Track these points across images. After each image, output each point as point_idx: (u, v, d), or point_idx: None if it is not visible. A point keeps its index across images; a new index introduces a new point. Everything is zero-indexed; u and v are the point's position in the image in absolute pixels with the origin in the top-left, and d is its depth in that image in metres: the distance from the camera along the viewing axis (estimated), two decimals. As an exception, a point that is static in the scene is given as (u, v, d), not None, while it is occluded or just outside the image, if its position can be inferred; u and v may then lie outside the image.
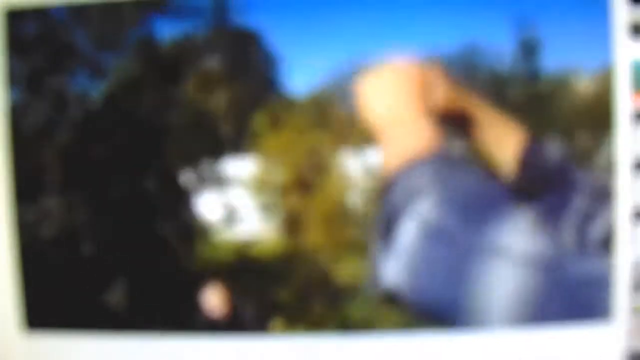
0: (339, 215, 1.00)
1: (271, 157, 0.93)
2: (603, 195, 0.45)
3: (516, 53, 0.99)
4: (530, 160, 0.46)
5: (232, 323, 1.00)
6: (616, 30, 0.54)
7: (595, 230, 0.45)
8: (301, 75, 0.90)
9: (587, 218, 0.45)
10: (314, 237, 0.96)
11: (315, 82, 0.90)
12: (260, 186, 0.95)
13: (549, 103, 1.01)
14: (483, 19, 0.92)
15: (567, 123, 1.01)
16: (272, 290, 0.99)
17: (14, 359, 0.76)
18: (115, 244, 0.97)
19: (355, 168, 0.98)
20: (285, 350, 0.96)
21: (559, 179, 0.47)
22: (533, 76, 1.02)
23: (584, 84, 0.99)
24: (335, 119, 0.93)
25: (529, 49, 1.00)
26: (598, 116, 0.96)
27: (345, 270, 1.04)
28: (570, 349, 0.49)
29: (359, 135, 0.94)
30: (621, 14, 0.54)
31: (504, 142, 0.44)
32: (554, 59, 0.97)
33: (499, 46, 0.97)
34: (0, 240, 0.83)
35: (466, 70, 1.00)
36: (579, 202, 0.47)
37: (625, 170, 0.50)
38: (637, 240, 0.50)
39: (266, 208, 0.96)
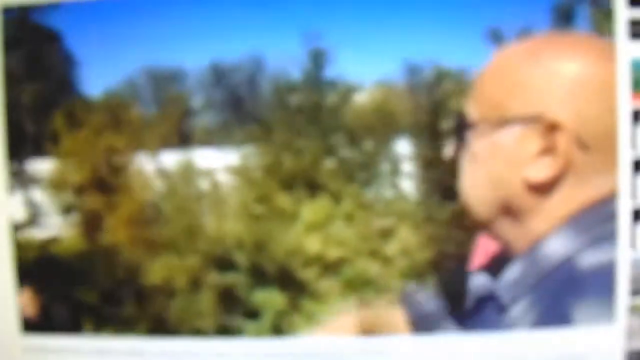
0: (142, 215, 1.01)
1: (69, 157, 0.93)
2: None
3: (304, 63, 1.06)
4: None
5: (43, 324, 0.99)
6: (617, 30, 0.56)
7: None
8: (98, 76, 0.91)
9: None
10: (116, 236, 0.98)
11: (111, 83, 0.91)
12: (59, 185, 0.95)
13: (335, 111, 1.08)
14: (271, 29, 0.97)
15: (352, 130, 1.09)
16: (78, 290, 0.99)
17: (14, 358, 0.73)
18: None
19: (152, 169, 1.01)
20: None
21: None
22: (320, 85, 1.10)
23: (367, 94, 1.08)
24: (131, 121, 0.95)
25: (316, 59, 1.07)
26: (381, 125, 1.05)
27: (155, 270, 1.06)
28: (572, 349, 0.49)
29: (154, 138, 0.97)
30: (621, 14, 0.56)
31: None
32: (341, 69, 1.05)
33: (287, 56, 1.03)
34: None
35: (249, 79, 1.06)
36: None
37: (626, 169, 0.52)
38: (637, 240, 0.52)
39: (66, 207, 0.96)
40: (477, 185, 0.36)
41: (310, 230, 1.17)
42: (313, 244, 1.17)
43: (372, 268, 1.18)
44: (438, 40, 1.13)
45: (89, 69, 0.92)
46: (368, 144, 1.14)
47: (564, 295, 0.33)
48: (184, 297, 1.15)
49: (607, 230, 0.34)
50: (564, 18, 1.22)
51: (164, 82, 0.94)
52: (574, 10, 1.20)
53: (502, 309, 0.35)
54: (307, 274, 1.18)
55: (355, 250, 1.18)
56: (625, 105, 0.49)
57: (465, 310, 0.37)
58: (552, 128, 0.32)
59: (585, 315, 0.31)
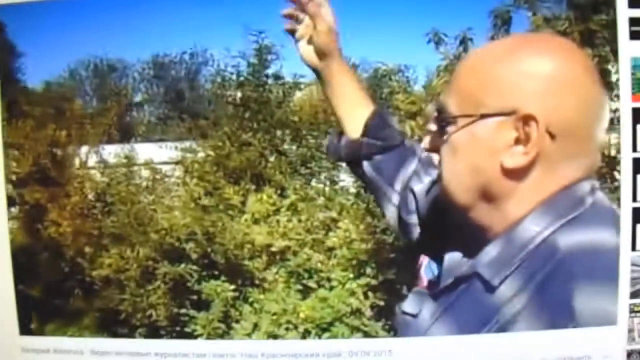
0: (86, 208, 1.00)
1: (11, 150, 0.92)
2: None
3: (248, 59, 1.08)
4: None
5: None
6: (618, 30, 0.56)
7: None
8: (40, 68, 0.90)
9: None
10: (60, 229, 0.96)
11: (53, 75, 0.90)
12: (3, 177, 0.92)
13: (279, 106, 1.11)
14: (216, 25, 0.98)
15: (296, 125, 1.13)
16: (21, 284, 0.97)
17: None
18: None
19: (95, 162, 1.00)
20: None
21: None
22: (264, 81, 1.12)
23: (309, 90, 1.11)
24: (73, 113, 0.94)
25: (260, 56, 1.09)
26: (322, 120, 1.09)
27: (103, 262, 1.05)
28: (573, 349, 0.48)
29: (97, 130, 0.96)
30: (621, 14, 0.56)
31: None
32: (285, 66, 1.07)
33: (232, 52, 1.04)
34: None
35: (193, 74, 1.06)
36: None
37: (627, 169, 0.52)
38: (637, 238, 0.51)
39: (7, 200, 0.94)
40: (457, 173, 0.40)
41: (257, 221, 1.19)
42: (260, 236, 1.19)
43: (315, 258, 1.22)
44: (380, 40, 1.18)
45: (31, 60, 0.91)
46: (310, 139, 1.19)
47: (554, 276, 0.36)
48: (135, 288, 1.13)
49: (579, 212, 0.38)
50: (502, 22, 1.29)
51: (106, 75, 0.93)
52: (511, 16, 1.28)
53: (489, 288, 0.39)
54: (254, 264, 1.21)
55: (300, 241, 1.22)
56: (625, 104, 0.51)
57: (442, 287, 0.40)
58: (526, 120, 0.36)
59: (584, 297, 0.35)
